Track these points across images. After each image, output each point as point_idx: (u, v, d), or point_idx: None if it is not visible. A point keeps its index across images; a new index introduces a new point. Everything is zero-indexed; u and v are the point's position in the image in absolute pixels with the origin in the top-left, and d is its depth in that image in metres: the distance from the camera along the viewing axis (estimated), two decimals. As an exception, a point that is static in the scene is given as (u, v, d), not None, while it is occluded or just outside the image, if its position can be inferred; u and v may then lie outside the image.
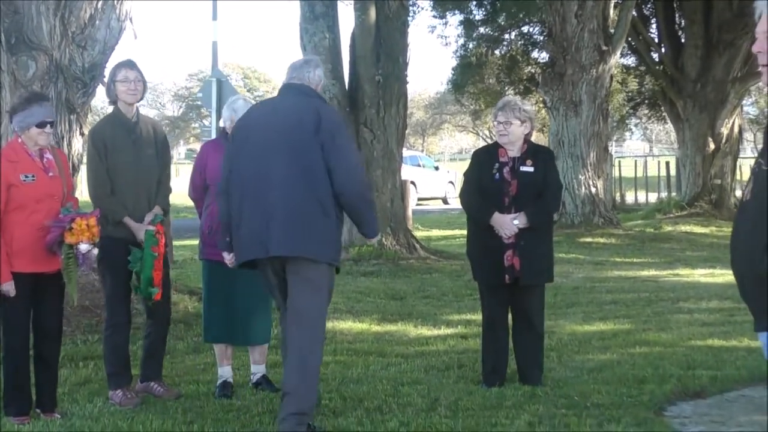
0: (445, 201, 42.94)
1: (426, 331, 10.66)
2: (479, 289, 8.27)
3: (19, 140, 6.95)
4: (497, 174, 7.85)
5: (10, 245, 6.76)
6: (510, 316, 8.16)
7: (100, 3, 11.05)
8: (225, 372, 7.96)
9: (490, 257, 7.86)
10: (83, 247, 6.80)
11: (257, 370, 8.09)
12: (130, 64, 7.79)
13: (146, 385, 7.82)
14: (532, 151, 7.93)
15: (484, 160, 8.01)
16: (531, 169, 7.82)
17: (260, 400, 7.55)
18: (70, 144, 11.12)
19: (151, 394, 7.76)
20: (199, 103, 46.77)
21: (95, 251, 6.94)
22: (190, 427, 6.88)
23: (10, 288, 6.76)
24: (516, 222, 7.69)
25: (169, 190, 7.95)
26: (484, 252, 7.95)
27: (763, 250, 3.59)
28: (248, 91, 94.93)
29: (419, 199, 38.88)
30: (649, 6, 31.01)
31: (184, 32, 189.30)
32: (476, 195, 7.95)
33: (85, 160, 8.32)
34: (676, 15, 29.41)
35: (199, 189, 8.02)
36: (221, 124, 8.14)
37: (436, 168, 46.00)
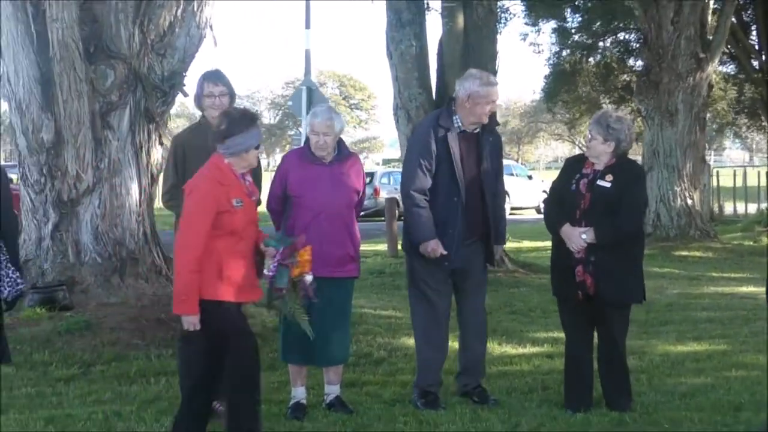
0: (538, 211, 42.30)
1: (510, 350, 10.28)
2: (558, 305, 7.94)
3: (226, 161, 6.49)
4: (574, 185, 7.55)
5: (220, 274, 6.32)
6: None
7: (179, 10, 10.94)
8: (299, 393, 7.67)
9: (561, 271, 7.61)
10: (308, 278, 6.64)
11: (331, 390, 7.78)
12: (215, 78, 7.62)
13: (210, 404, 7.56)
14: (617, 166, 7.51)
15: (570, 169, 7.72)
16: (607, 185, 7.44)
17: (332, 423, 7.26)
18: (149, 153, 11.04)
19: (214, 414, 7.50)
20: (293, 111, 47.06)
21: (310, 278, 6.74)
22: (258, 450, 6.64)
23: (195, 321, 6.29)
24: (584, 237, 7.36)
25: (258, 201, 7.70)
26: (557, 265, 7.70)
27: None
28: (344, 98, 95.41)
29: (512, 209, 38.40)
30: (749, 12, 30.19)
31: (281, 40, 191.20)
32: (555, 204, 7.70)
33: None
34: (778, 21, 28.56)
35: (278, 199, 7.70)
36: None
37: (530, 177, 45.44)
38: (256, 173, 7.73)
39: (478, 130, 7.81)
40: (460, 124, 7.74)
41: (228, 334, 6.37)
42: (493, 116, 7.89)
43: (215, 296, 6.28)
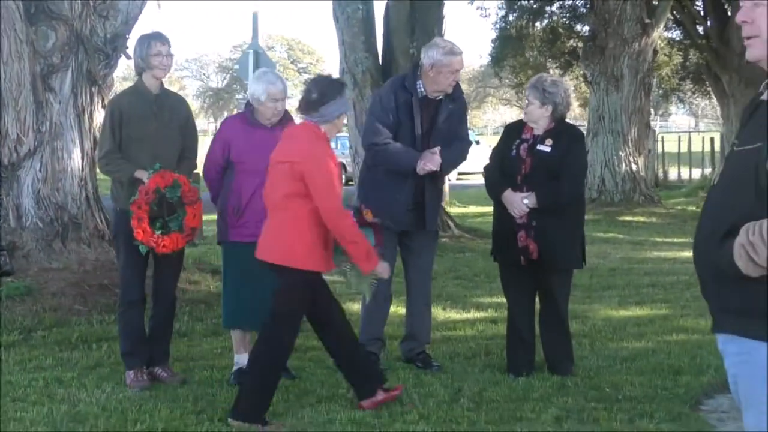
0: (485, 176, 42.36)
1: (454, 315, 10.31)
2: (499, 270, 7.96)
3: (322, 129, 6.47)
4: (514, 150, 7.56)
5: (326, 244, 6.50)
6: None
7: (123, -28, 10.77)
8: (242, 359, 7.61)
9: (503, 236, 7.61)
10: None
11: (274, 355, 7.76)
12: (162, 38, 7.51)
13: (150, 369, 7.53)
14: (556, 131, 7.55)
15: (510, 135, 7.74)
16: (547, 149, 7.47)
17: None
18: (91, 117, 10.92)
19: (155, 379, 7.49)
20: (241, 74, 46.64)
21: None
22: (200, 417, 6.64)
23: (388, 267, 6.78)
24: (525, 201, 7.37)
25: (194, 166, 7.66)
26: (499, 230, 7.70)
27: (720, 239, 3.23)
28: (292, 62, 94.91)
29: (459, 174, 38.46)
30: (694, -23, 30.35)
31: (229, 3, 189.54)
32: (496, 170, 7.70)
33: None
34: (723, -14, 28.75)
35: (219, 167, 7.58)
36: (249, 95, 7.68)
37: (477, 142, 45.36)
38: (191, 137, 7.68)
39: (440, 97, 7.80)
40: (422, 89, 7.74)
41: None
42: (457, 85, 7.88)
43: (317, 267, 6.49)
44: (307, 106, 6.46)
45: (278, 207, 6.43)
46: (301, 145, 6.38)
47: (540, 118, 7.53)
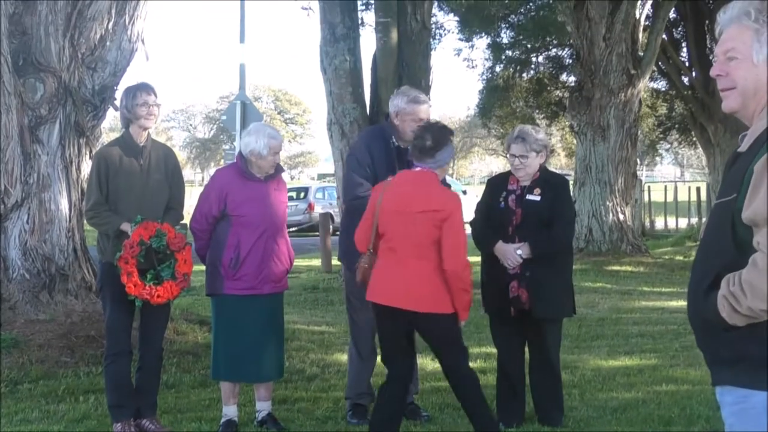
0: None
1: (443, 365, 10.24)
2: (489, 321, 7.94)
3: (437, 173, 6.62)
4: (503, 202, 7.58)
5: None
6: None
7: (110, 24, 10.83)
8: (230, 411, 7.58)
9: (494, 287, 7.58)
10: None
11: (262, 407, 7.71)
12: (148, 88, 7.48)
13: (138, 422, 7.46)
14: (542, 179, 7.58)
15: (496, 187, 7.75)
16: (537, 199, 7.50)
17: (263, 440, 7.19)
18: (78, 168, 10.90)
19: None
20: (227, 125, 46.64)
21: None
22: (188, 469, 6.57)
23: None
24: (519, 252, 7.37)
25: (180, 217, 7.62)
26: (489, 282, 7.66)
27: (704, 292, 3.27)
28: (279, 113, 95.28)
29: (446, 224, 38.48)
30: (679, 29, 30.61)
31: (215, 55, 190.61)
32: (484, 223, 7.68)
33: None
34: (707, 38, 28.95)
35: (212, 219, 7.51)
36: (244, 149, 7.60)
37: (464, 192, 45.56)
38: (179, 187, 7.64)
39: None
40: (394, 139, 7.71)
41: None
42: None
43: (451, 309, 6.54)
44: (423, 153, 6.57)
45: (413, 255, 6.45)
46: (436, 193, 6.51)
47: (536, 167, 7.56)
